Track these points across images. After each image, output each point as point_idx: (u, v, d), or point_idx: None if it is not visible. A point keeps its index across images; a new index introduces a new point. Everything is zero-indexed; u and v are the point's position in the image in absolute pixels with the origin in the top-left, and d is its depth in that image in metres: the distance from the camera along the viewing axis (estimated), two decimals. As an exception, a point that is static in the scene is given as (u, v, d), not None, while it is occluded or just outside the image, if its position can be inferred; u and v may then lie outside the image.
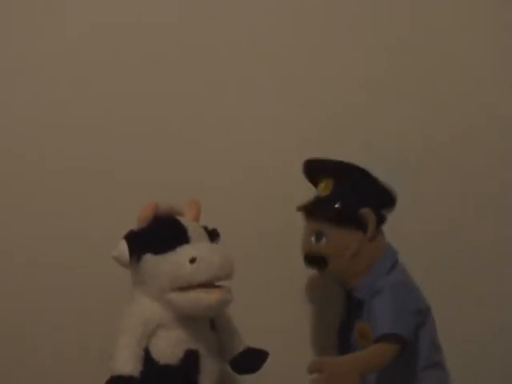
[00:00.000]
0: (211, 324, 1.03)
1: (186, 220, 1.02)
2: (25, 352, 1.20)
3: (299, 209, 1.13)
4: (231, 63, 1.25)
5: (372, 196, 1.11)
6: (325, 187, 1.11)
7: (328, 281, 1.16)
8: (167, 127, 1.24)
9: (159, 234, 0.99)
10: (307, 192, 1.18)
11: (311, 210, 1.11)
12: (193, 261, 0.95)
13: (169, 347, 0.97)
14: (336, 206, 1.09)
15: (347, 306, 1.13)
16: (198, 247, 0.98)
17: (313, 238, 1.10)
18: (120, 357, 0.95)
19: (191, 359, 0.98)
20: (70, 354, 1.20)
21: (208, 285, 0.95)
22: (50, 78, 1.23)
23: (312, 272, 1.18)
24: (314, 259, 1.10)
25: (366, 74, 1.27)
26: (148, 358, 0.96)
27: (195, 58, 1.25)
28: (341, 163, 1.11)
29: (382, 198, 1.11)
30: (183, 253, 0.96)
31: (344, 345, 1.10)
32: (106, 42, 1.23)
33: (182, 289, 0.96)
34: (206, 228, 1.04)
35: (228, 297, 0.97)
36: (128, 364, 0.94)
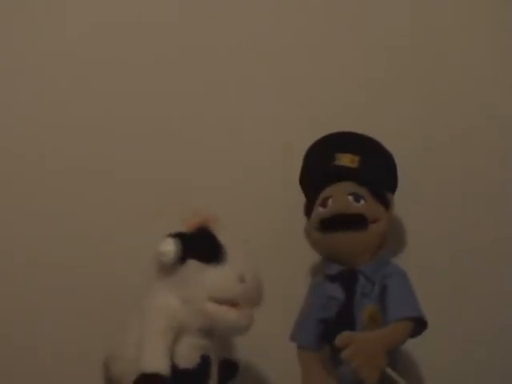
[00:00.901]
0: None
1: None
2: (25, 352, 1.20)
3: (335, 168, 1.08)
4: (231, 63, 1.26)
5: (393, 181, 1.12)
6: (351, 160, 1.08)
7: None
8: (167, 127, 1.24)
9: (208, 243, 0.99)
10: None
11: (351, 172, 1.07)
12: (242, 280, 0.96)
13: (189, 352, 0.97)
14: (373, 176, 1.07)
15: (347, 286, 1.06)
16: (247, 266, 0.99)
17: (351, 198, 1.06)
18: (153, 355, 0.94)
19: (206, 364, 0.99)
20: (70, 354, 1.20)
21: (247, 306, 0.97)
22: (50, 77, 1.23)
23: (312, 273, 1.18)
24: (353, 218, 1.05)
25: (366, 74, 1.27)
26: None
27: (196, 57, 1.25)
28: (370, 140, 1.11)
29: (395, 186, 1.12)
30: (234, 268, 0.97)
31: (345, 328, 1.02)
32: (106, 42, 1.24)
33: (222, 302, 0.96)
34: None
35: (253, 323, 0.98)
36: (162, 362, 0.94)
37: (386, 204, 1.08)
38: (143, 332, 0.96)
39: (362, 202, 1.06)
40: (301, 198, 1.15)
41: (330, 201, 1.07)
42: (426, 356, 1.18)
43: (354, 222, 1.05)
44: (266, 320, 1.15)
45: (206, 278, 0.97)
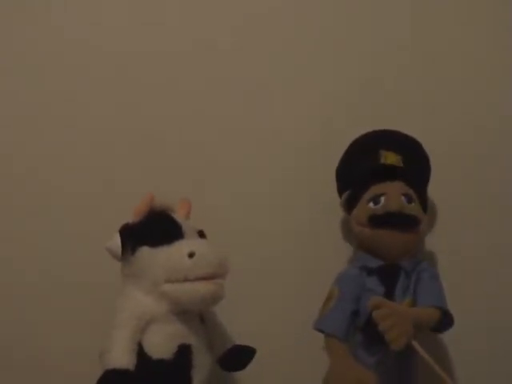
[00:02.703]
0: (201, 319, 1.03)
1: (178, 217, 1.04)
2: (25, 352, 1.20)
3: (387, 167, 1.09)
4: (231, 64, 1.25)
5: (428, 179, 1.14)
6: (397, 159, 1.10)
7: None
8: (168, 127, 1.24)
9: (155, 227, 1.00)
10: (308, 194, 1.18)
11: (405, 172, 1.09)
12: (191, 255, 0.96)
13: (162, 342, 0.97)
14: (418, 177, 1.10)
15: (389, 281, 1.06)
16: (196, 243, 0.99)
17: (404, 198, 1.07)
18: (114, 351, 0.95)
19: (185, 354, 0.98)
20: (70, 353, 1.20)
21: (204, 278, 0.96)
22: (50, 78, 1.23)
23: (313, 275, 1.18)
24: (407, 218, 1.07)
25: (366, 74, 1.27)
26: (141, 353, 0.96)
27: (196, 58, 1.25)
28: (413, 141, 1.13)
29: (428, 183, 1.14)
30: (182, 247, 0.97)
31: None
32: (106, 43, 1.24)
33: (178, 281, 0.96)
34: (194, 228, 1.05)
35: (221, 292, 0.98)
36: (123, 358, 0.94)
37: (425, 205, 1.12)
38: (110, 333, 0.96)
39: (413, 203, 1.08)
40: (302, 200, 1.15)
41: (382, 198, 1.07)
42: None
43: (408, 222, 1.07)
44: (268, 320, 1.16)
45: (156, 261, 0.97)
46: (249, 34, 1.26)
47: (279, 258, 1.22)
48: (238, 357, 1.05)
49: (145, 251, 0.99)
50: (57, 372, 1.20)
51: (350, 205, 1.12)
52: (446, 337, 1.20)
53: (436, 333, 1.07)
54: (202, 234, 1.04)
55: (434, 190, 1.24)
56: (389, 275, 1.06)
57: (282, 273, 1.22)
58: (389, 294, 1.04)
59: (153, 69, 1.24)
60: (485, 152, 1.26)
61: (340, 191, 1.15)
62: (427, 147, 1.20)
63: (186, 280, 0.96)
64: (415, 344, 0.96)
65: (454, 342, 1.21)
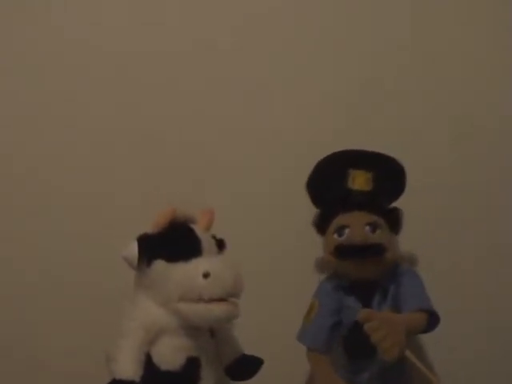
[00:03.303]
0: (211, 332, 1.02)
1: (199, 230, 1.01)
2: (25, 352, 1.20)
3: (352, 203, 1.08)
4: (231, 64, 1.26)
5: (400, 194, 1.12)
6: (365, 182, 1.08)
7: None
8: (168, 127, 1.24)
9: (174, 241, 0.98)
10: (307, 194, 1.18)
11: (366, 203, 1.07)
12: (206, 275, 0.94)
13: (171, 353, 0.97)
14: (386, 202, 1.09)
15: (365, 299, 1.07)
16: (212, 262, 0.97)
17: (368, 228, 1.06)
18: (122, 360, 0.94)
19: (192, 366, 0.98)
20: (70, 353, 1.20)
21: (218, 299, 0.95)
22: (50, 78, 1.23)
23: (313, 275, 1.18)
24: (372, 248, 1.06)
25: (366, 74, 1.27)
26: (149, 363, 0.96)
27: (196, 58, 1.25)
28: (382, 156, 1.11)
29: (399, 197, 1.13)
30: (198, 266, 0.96)
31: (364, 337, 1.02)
32: (106, 43, 1.24)
33: (192, 300, 0.95)
34: (214, 237, 1.03)
35: (236, 311, 0.97)
36: (130, 368, 0.94)
37: (397, 223, 1.09)
38: (118, 341, 0.96)
39: (379, 231, 1.07)
40: (302, 196, 1.15)
41: (346, 230, 1.07)
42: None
43: (373, 251, 1.06)
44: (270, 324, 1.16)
45: (171, 277, 0.96)
46: (249, 34, 1.26)
47: (279, 258, 1.22)
48: (246, 367, 1.04)
49: (161, 265, 0.97)
50: (57, 372, 1.20)
51: (319, 226, 1.11)
52: (446, 337, 1.20)
53: (423, 333, 1.05)
54: (221, 244, 1.03)
55: (434, 189, 1.25)
56: (364, 293, 1.07)
57: (281, 273, 1.22)
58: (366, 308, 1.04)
59: (153, 69, 1.24)
60: (485, 152, 1.26)
61: (312, 203, 1.14)
62: (427, 147, 1.20)
63: (200, 299, 0.95)
64: (408, 353, 0.96)
65: (454, 341, 1.21)
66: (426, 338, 1.17)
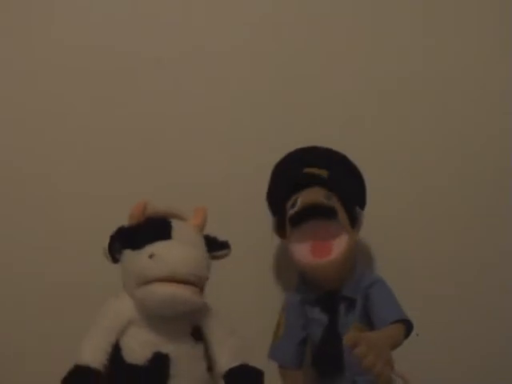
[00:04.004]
0: (193, 331, 1.00)
1: (179, 223, 1.01)
2: (26, 352, 1.20)
3: (307, 175, 1.07)
4: (231, 65, 1.26)
5: (361, 196, 1.11)
6: (320, 172, 1.07)
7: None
8: (168, 127, 1.24)
9: (141, 231, 0.99)
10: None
11: (321, 180, 1.06)
12: (151, 256, 0.95)
13: (137, 347, 0.96)
14: (342, 187, 1.06)
15: (330, 310, 1.06)
16: (161, 244, 0.97)
17: (320, 194, 1.04)
18: (82, 348, 0.94)
19: (159, 362, 0.96)
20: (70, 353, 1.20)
21: (163, 280, 0.94)
22: (50, 79, 1.24)
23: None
24: (324, 208, 1.03)
25: (366, 74, 1.27)
26: (117, 356, 0.96)
27: (197, 60, 1.25)
28: (338, 155, 1.11)
29: (363, 200, 1.12)
30: (147, 249, 0.96)
31: (332, 351, 1.04)
32: (106, 45, 1.24)
33: (143, 284, 0.95)
34: (207, 236, 1.03)
35: (184, 293, 0.94)
36: (88, 355, 0.94)
37: (354, 219, 1.07)
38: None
39: (333, 201, 1.05)
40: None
41: (299, 200, 1.05)
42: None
43: (323, 211, 1.03)
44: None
45: (131, 265, 0.97)
46: (249, 37, 1.26)
47: (279, 258, 1.22)
48: (246, 377, 0.99)
49: (127, 254, 0.99)
50: (57, 372, 1.20)
51: (279, 228, 1.10)
52: (446, 337, 1.20)
53: None
54: (215, 243, 1.03)
55: (434, 189, 1.25)
56: (329, 304, 1.06)
57: (282, 273, 1.22)
58: (333, 322, 1.05)
59: (154, 71, 1.24)
60: (485, 152, 1.26)
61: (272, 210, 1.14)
62: (427, 147, 1.20)
63: (147, 282, 0.95)
64: (395, 370, 0.95)
65: (453, 342, 1.21)
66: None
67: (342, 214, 1.05)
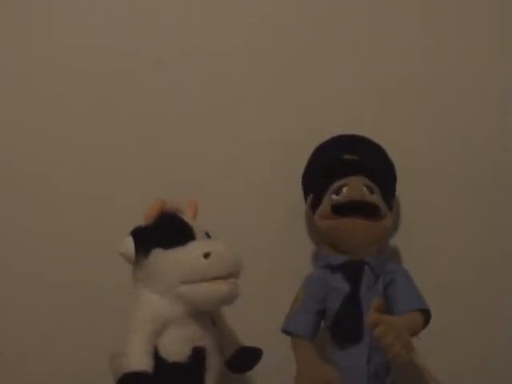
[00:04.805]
0: (213, 322, 1.03)
1: (188, 218, 1.04)
2: (26, 352, 1.20)
3: (348, 161, 1.12)
4: (231, 66, 1.26)
5: (394, 186, 1.16)
6: (357, 159, 1.12)
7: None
8: (169, 128, 1.24)
9: (167, 229, 1.00)
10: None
11: (366, 169, 1.11)
12: (207, 255, 0.96)
13: (177, 345, 0.97)
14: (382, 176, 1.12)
15: (354, 278, 1.07)
16: (211, 243, 1.00)
17: (365, 189, 1.09)
18: (132, 354, 0.94)
19: (199, 356, 0.98)
20: (71, 354, 1.20)
21: (220, 279, 0.96)
22: (50, 79, 1.24)
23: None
24: (369, 206, 1.08)
25: (366, 74, 1.27)
26: (157, 356, 0.96)
27: (196, 61, 1.25)
28: (376, 146, 1.16)
29: (394, 193, 1.16)
30: (197, 247, 0.97)
31: (353, 320, 1.05)
32: (106, 45, 1.24)
33: (194, 282, 0.96)
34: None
35: (237, 290, 0.98)
36: (141, 360, 0.94)
37: (390, 206, 1.12)
38: (127, 337, 0.96)
39: (375, 196, 1.09)
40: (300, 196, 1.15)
41: (344, 189, 1.09)
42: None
43: (370, 210, 1.08)
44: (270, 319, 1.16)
45: (171, 263, 0.97)
46: (249, 37, 1.26)
47: (279, 258, 1.22)
48: (245, 358, 1.05)
49: (158, 253, 0.98)
50: (57, 372, 1.20)
51: (314, 207, 1.13)
52: (446, 337, 1.20)
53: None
54: (208, 236, 1.04)
55: (433, 189, 1.25)
56: (353, 271, 1.07)
57: (281, 272, 1.22)
58: (354, 292, 1.05)
59: (154, 71, 1.24)
60: (485, 152, 1.26)
61: (306, 197, 1.17)
62: (427, 147, 1.20)
63: (202, 280, 0.96)
64: (429, 371, 0.97)
65: (453, 342, 1.21)
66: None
67: (382, 200, 1.10)
